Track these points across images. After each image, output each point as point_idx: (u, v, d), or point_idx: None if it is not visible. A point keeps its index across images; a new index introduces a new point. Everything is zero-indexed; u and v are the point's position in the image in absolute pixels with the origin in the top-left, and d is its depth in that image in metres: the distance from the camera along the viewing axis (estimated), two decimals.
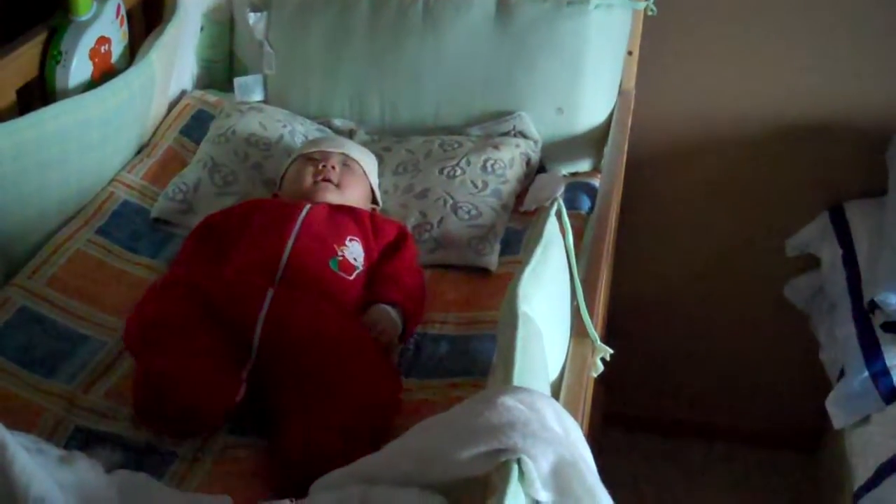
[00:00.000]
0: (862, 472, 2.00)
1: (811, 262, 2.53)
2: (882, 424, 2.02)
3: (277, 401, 1.50)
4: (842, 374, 2.17)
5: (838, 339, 2.25)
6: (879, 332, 2.13)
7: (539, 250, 1.38)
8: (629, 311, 2.67)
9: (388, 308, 1.70)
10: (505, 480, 1.01)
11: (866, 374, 2.06)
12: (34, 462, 1.09)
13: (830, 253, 2.42)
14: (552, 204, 1.50)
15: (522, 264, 1.36)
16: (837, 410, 2.13)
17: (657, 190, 2.61)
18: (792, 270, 2.58)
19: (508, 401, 1.08)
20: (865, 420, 2.08)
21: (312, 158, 1.94)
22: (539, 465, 1.03)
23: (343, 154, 1.96)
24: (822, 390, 2.29)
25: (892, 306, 2.06)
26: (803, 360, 2.57)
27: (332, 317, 1.61)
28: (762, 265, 2.65)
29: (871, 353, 2.10)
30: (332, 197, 1.88)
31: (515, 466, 1.03)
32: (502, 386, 1.14)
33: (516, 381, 1.16)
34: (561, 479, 1.05)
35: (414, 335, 1.74)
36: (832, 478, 2.43)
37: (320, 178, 1.90)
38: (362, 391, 1.49)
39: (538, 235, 1.41)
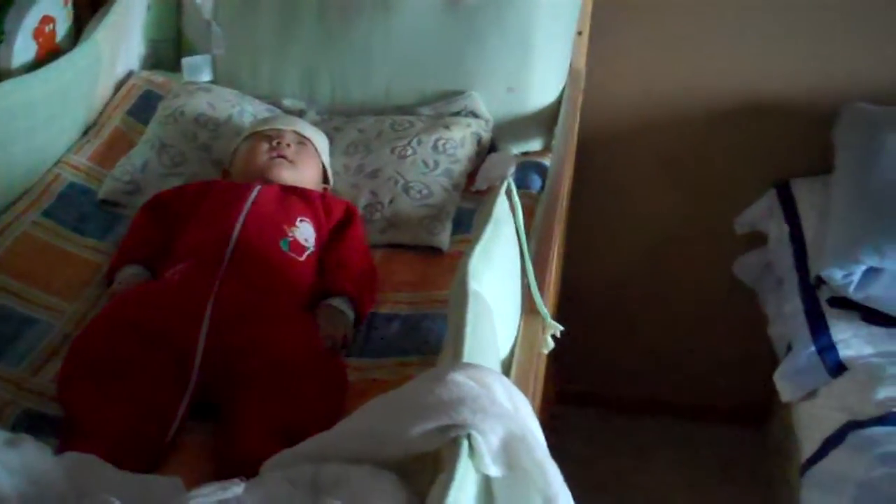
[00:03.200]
0: (808, 445, 2.03)
1: (759, 239, 2.56)
2: (828, 398, 2.05)
3: (223, 399, 1.49)
4: (789, 348, 2.20)
5: (786, 315, 2.29)
6: (825, 307, 2.16)
7: (489, 228, 1.38)
8: (581, 289, 2.69)
9: (339, 301, 1.70)
10: (455, 456, 1.01)
11: (813, 348, 2.09)
12: None
13: (777, 230, 2.45)
14: (502, 183, 1.50)
15: (473, 242, 1.37)
16: (785, 384, 2.16)
17: (607, 168, 2.63)
18: (740, 247, 2.61)
19: (458, 377, 1.09)
20: (812, 394, 2.11)
21: (266, 135, 1.93)
22: (489, 440, 1.04)
23: (296, 132, 1.95)
24: (771, 365, 2.32)
25: (837, 281, 2.09)
26: (752, 336, 2.60)
27: (276, 320, 1.59)
28: (711, 242, 2.68)
29: (818, 327, 2.13)
30: (287, 174, 1.87)
31: (465, 442, 1.03)
32: (452, 363, 1.15)
33: (466, 357, 1.16)
34: (510, 453, 1.05)
35: (366, 316, 1.74)
36: (780, 451, 2.47)
37: (275, 154, 1.89)
38: (307, 391, 1.48)
39: (488, 214, 1.42)
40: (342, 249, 1.79)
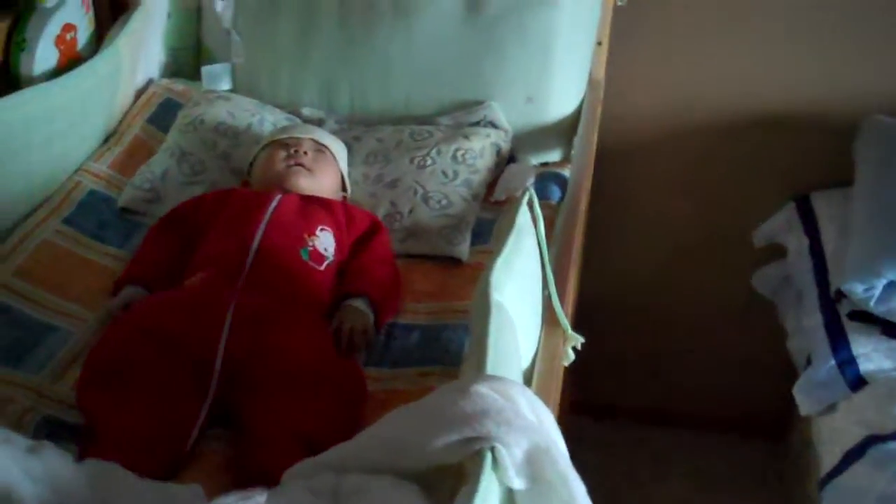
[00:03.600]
0: (828, 459, 2.02)
1: (778, 252, 2.55)
2: (848, 412, 2.04)
3: (242, 407, 1.49)
4: (808, 362, 2.19)
5: (805, 328, 2.27)
6: (846, 321, 2.15)
7: (511, 239, 1.38)
8: (597, 300, 2.68)
9: (357, 301, 1.70)
10: (479, 468, 1.01)
11: (833, 362, 2.08)
12: (1, 452, 1.07)
13: (797, 243, 2.44)
14: (524, 193, 1.50)
15: (494, 253, 1.36)
16: (804, 398, 2.15)
17: (625, 180, 2.62)
18: (759, 260, 2.59)
19: (482, 389, 1.08)
20: (832, 408, 2.10)
21: (284, 144, 1.94)
22: (512, 452, 1.03)
23: (314, 140, 1.95)
24: (789, 378, 2.31)
25: (858, 295, 2.08)
26: (770, 349, 2.59)
27: (294, 323, 1.59)
28: (730, 255, 2.67)
29: (838, 341, 2.12)
30: (305, 182, 1.87)
31: (489, 454, 1.02)
32: (475, 374, 1.14)
33: (489, 369, 1.16)
34: (534, 466, 1.05)
35: (385, 325, 1.73)
36: (798, 465, 2.46)
37: (293, 162, 1.89)
38: (326, 400, 1.48)
39: (510, 224, 1.41)
40: (366, 258, 1.79)
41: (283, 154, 1.91)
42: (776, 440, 2.79)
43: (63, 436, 1.46)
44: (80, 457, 1.34)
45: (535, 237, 1.49)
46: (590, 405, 2.87)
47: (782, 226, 2.53)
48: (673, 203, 2.66)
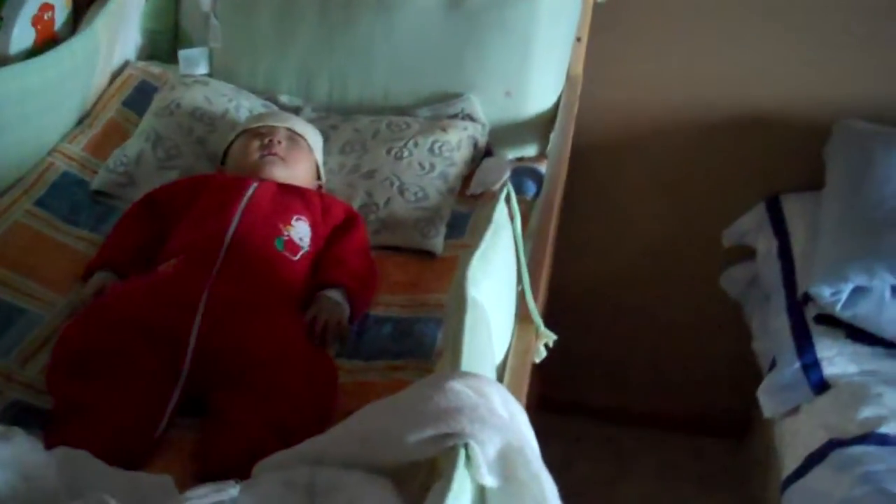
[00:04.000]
0: (790, 461, 2.04)
1: (747, 253, 2.57)
2: (811, 415, 2.06)
3: (211, 395, 1.49)
4: (773, 364, 2.21)
5: (771, 330, 2.30)
6: (812, 324, 2.17)
7: (489, 234, 1.39)
8: (564, 296, 2.69)
9: (333, 292, 1.70)
10: (452, 465, 1.01)
11: (798, 364, 2.10)
12: None
13: (766, 244, 2.46)
14: (502, 189, 1.51)
15: (472, 248, 1.37)
16: (768, 400, 2.17)
17: (598, 177, 2.63)
18: (727, 260, 2.62)
19: (457, 385, 1.09)
20: (795, 410, 2.12)
21: (258, 133, 1.93)
22: (486, 450, 1.04)
23: (288, 129, 1.95)
24: (753, 379, 2.33)
25: (825, 299, 2.10)
26: (735, 350, 2.62)
27: (268, 317, 1.58)
28: (700, 253, 2.69)
29: (803, 344, 2.14)
30: (279, 172, 1.86)
31: (462, 451, 1.03)
32: (450, 371, 1.15)
33: (464, 365, 1.16)
34: (507, 464, 1.06)
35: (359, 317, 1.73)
36: (760, 465, 2.48)
37: (266, 152, 1.88)
38: (297, 390, 1.48)
39: (488, 219, 1.42)
40: (342, 248, 1.79)
41: (256, 143, 1.90)
42: (739, 440, 2.82)
43: (30, 421, 1.45)
44: (47, 442, 1.33)
45: (511, 232, 1.50)
46: (555, 402, 2.88)
47: (752, 226, 2.55)
48: (646, 200, 2.67)
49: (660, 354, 2.88)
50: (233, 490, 1.05)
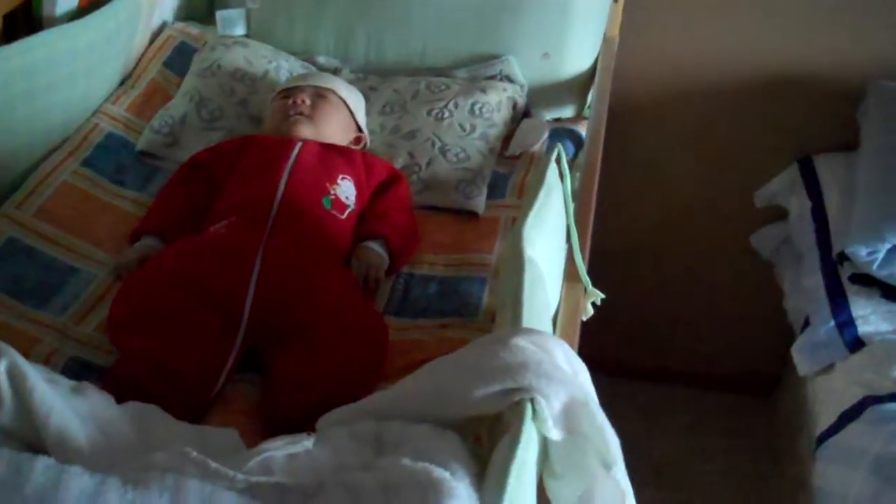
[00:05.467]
0: (824, 418, 2.07)
1: (778, 213, 2.59)
2: (845, 372, 2.08)
3: (270, 353, 1.51)
4: (806, 323, 2.23)
5: (804, 289, 2.31)
6: (847, 284, 2.19)
7: (541, 195, 1.40)
8: (596, 256, 2.70)
9: (373, 245, 1.72)
10: (520, 419, 1.04)
11: (832, 323, 2.12)
12: (52, 392, 1.10)
13: (799, 205, 2.47)
14: (552, 149, 1.52)
15: (524, 209, 1.39)
16: (802, 358, 2.19)
17: (631, 135, 2.64)
18: (760, 219, 2.63)
19: (521, 341, 1.11)
20: (829, 368, 2.15)
21: (286, 95, 1.94)
22: (552, 404, 1.06)
23: (314, 86, 1.95)
24: (782, 337, 2.35)
25: (861, 258, 2.12)
26: (766, 308, 2.64)
27: (321, 274, 1.61)
28: (731, 213, 2.70)
29: (838, 303, 2.16)
30: (306, 130, 1.87)
31: (529, 405, 1.06)
32: (513, 327, 1.17)
33: (525, 322, 1.19)
34: (571, 418, 1.08)
35: (403, 274, 1.76)
36: (790, 422, 2.51)
37: (292, 112, 1.90)
38: (349, 346, 1.50)
39: (540, 180, 1.44)
40: (384, 204, 1.81)
41: (284, 105, 1.92)
42: (767, 397, 2.84)
43: (88, 377, 1.46)
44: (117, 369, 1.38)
45: (561, 193, 1.52)
46: (585, 358, 2.89)
47: (784, 187, 2.56)
48: (678, 160, 2.68)
49: (689, 313, 2.90)
50: (307, 442, 1.08)
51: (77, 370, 1.49)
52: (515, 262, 1.27)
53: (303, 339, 1.49)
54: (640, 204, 2.77)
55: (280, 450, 1.05)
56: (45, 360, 1.48)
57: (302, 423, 1.31)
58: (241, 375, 1.52)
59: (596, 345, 2.88)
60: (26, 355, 1.44)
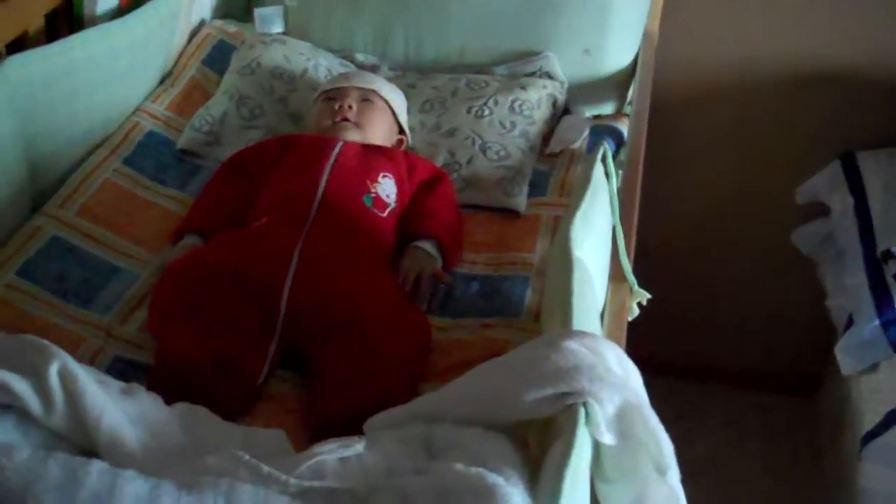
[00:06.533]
0: (870, 417, 2.04)
1: (820, 210, 2.55)
2: (891, 372, 2.06)
3: (311, 353, 1.50)
4: (850, 321, 2.20)
5: (847, 287, 2.28)
6: (891, 282, 2.15)
7: (588, 194, 1.39)
8: (636, 251, 2.68)
9: (425, 244, 1.71)
10: (573, 424, 1.03)
11: (877, 322, 2.09)
12: (103, 394, 1.10)
13: (841, 202, 2.43)
14: (599, 149, 1.51)
15: (571, 209, 1.38)
16: (847, 357, 2.16)
17: (671, 131, 2.60)
18: (801, 216, 2.60)
19: (573, 344, 1.10)
20: (873, 367, 2.12)
21: (330, 97, 1.93)
22: (605, 408, 1.05)
23: (360, 88, 1.93)
24: (824, 335, 2.31)
25: None
26: (806, 306, 2.61)
27: (361, 269, 1.60)
28: (772, 210, 2.67)
29: (883, 301, 2.12)
30: (353, 136, 1.86)
31: (582, 409, 1.05)
32: (564, 330, 1.16)
33: (575, 324, 1.17)
34: (625, 422, 1.07)
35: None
36: (832, 422, 2.48)
37: (339, 118, 1.88)
38: (391, 347, 1.48)
39: (586, 179, 1.43)
40: (431, 202, 1.80)
41: (330, 109, 1.90)
42: (808, 396, 2.81)
43: (134, 376, 1.47)
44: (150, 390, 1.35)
45: (606, 193, 1.50)
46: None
47: (826, 184, 2.52)
48: (719, 156, 2.65)
49: (728, 310, 2.87)
50: (358, 446, 1.07)
51: (122, 369, 1.50)
52: (563, 263, 1.26)
53: (345, 338, 1.48)
54: (678, 200, 2.74)
55: (332, 453, 1.05)
56: (91, 360, 1.49)
57: (348, 425, 1.31)
58: (283, 372, 1.52)
59: (632, 342, 2.88)
60: (72, 355, 1.46)
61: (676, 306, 2.89)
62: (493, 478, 0.98)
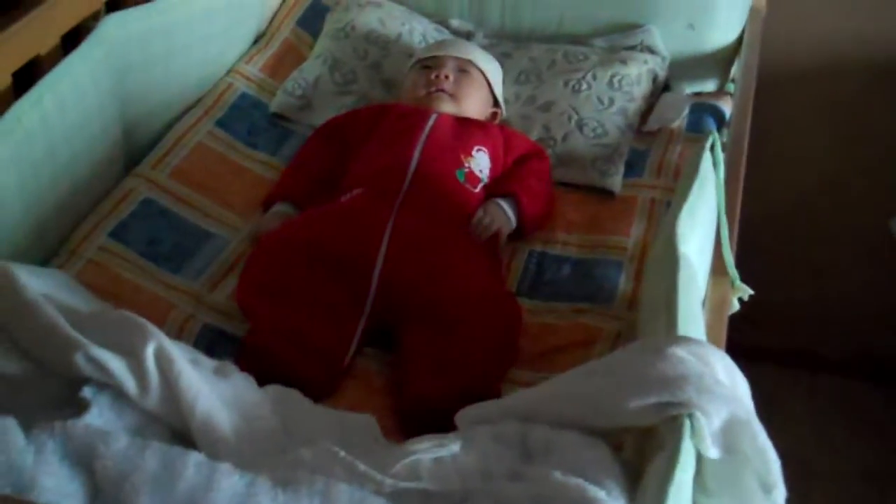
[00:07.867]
0: None
1: None
2: None
3: (401, 333, 1.48)
4: None
5: None
6: None
7: (695, 187, 1.34)
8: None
9: (502, 202, 1.68)
10: (678, 436, 0.99)
11: None
12: (198, 376, 1.08)
13: None
14: (708, 137, 1.45)
15: (677, 202, 1.32)
16: None
17: (775, 111, 2.52)
18: None
19: (680, 352, 1.06)
20: None
21: (426, 66, 1.88)
22: (711, 421, 1.01)
23: (457, 58, 1.88)
24: None
25: None
26: None
27: (452, 247, 1.57)
28: (869, 194, 2.58)
29: None
30: (447, 108, 1.81)
31: (687, 421, 1.00)
32: (667, 333, 1.12)
33: (680, 327, 1.13)
34: (731, 436, 1.03)
35: (535, 253, 1.71)
36: None
37: (434, 88, 1.83)
38: (482, 329, 1.46)
39: (694, 170, 1.37)
40: (522, 170, 1.77)
41: (425, 78, 1.85)
42: (893, 385, 2.73)
43: (223, 345, 1.47)
44: (241, 367, 1.33)
45: (713, 182, 1.45)
46: None
47: None
48: (820, 138, 2.56)
49: (818, 296, 2.79)
50: (454, 446, 1.04)
51: (211, 338, 1.49)
52: (669, 261, 1.21)
53: (435, 318, 1.46)
54: (774, 177, 2.65)
55: (427, 452, 1.02)
56: (181, 328, 1.48)
57: (436, 409, 1.29)
58: (369, 349, 1.50)
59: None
60: (162, 320, 1.47)
61: (762, 288, 2.81)
62: (594, 490, 0.95)
